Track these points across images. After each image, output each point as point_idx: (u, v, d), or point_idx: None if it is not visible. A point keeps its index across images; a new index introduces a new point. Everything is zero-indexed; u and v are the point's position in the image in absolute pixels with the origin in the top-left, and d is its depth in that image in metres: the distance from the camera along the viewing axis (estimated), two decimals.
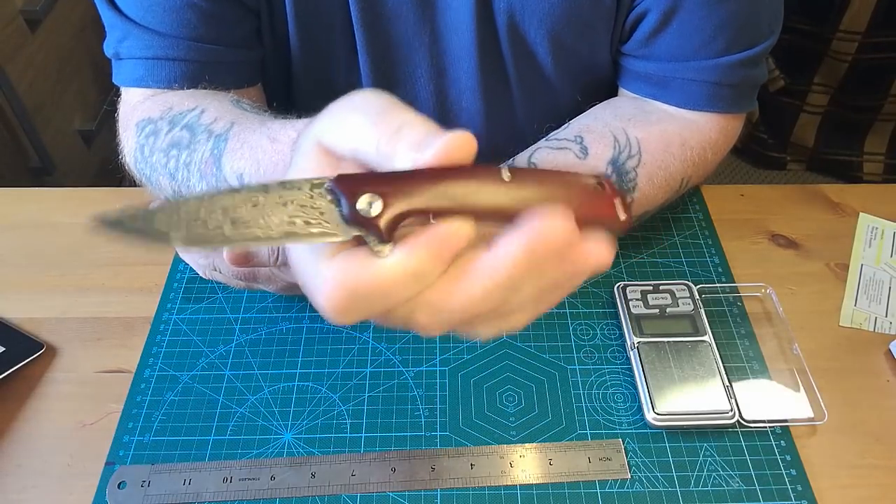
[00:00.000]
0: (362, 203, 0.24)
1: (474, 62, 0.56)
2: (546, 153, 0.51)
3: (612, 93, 0.61)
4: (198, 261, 0.47)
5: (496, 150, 0.61)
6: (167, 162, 0.46)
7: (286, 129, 0.41)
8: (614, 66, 0.59)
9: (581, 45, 0.56)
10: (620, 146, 0.51)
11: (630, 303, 0.53)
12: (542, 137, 0.53)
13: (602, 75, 0.60)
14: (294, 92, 0.61)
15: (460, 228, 0.25)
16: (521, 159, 0.51)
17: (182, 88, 0.51)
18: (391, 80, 0.58)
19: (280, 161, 0.39)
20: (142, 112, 0.50)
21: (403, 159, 0.25)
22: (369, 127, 0.26)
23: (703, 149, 0.54)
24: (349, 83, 0.59)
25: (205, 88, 0.51)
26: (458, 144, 0.24)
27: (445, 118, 0.59)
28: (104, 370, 0.51)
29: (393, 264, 0.24)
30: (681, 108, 0.55)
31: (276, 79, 0.60)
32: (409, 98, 0.59)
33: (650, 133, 0.52)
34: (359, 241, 0.25)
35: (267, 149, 0.41)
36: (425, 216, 0.24)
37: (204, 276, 0.49)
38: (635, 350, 0.50)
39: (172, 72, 0.51)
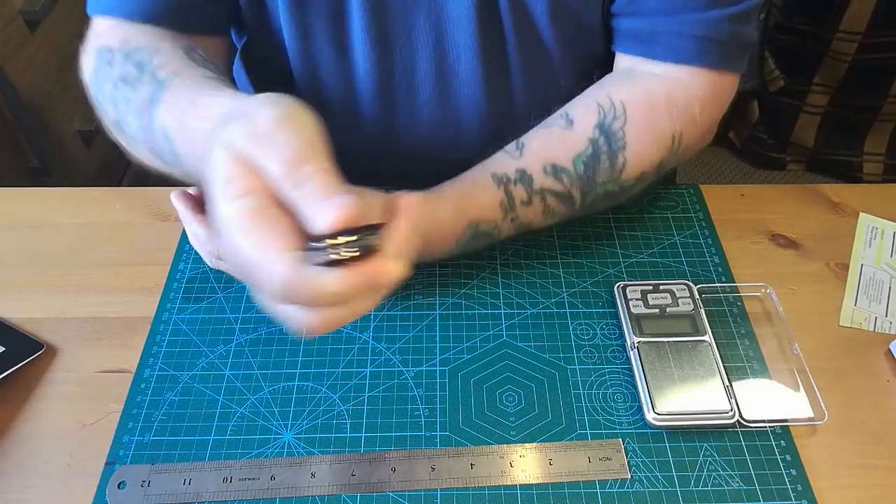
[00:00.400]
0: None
1: (473, 22, 0.56)
2: (534, 132, 0.53)
3: (607, 70, 0.61)
4: (205, 246, 0.48)
5: (494, 122, 0.61)
6: (114, 92, 0.49)
7: (209, 98, 0.42)
8: (606, 30, 0.60)
9: (576, 1, 0.57)
10: (605, 110, 0.52)
11: (630, 303, 0.53)
12: (536, 122, 0.55)
13: (595, 45, 0.61)
14: (287, 56, 0.61)
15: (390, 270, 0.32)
16: (510, 146, 0.53)
17: (145, 24, 0.53)
18: (388, 42, 0.57)
19: (198, 128, 0.41)
20: (103, 40, 0.52)
21: (315, 217, 0.31)
22: (282, 172, 0.32)
23: (688, 103, 0.54)
24: (342, 48, 0.58)
25: (168, 28, 0.53)
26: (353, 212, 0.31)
27: (444, 83, 0.59)
28: (104, 370, 0.51)
29: (333, 279, 0.31)
30: (668, 62, 0.55)
31: (267, 49, 0.61)
32: (407, 62, 0.58)
33: (633, 94, 0.53)
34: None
35: (188, 112, 0.42)
36: None
37: (210, 265, 0.49)
38: (635, 350, 0.50)
39: (138, 6, 0.52)
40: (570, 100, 0.56)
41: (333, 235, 0.31)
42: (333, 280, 0.31)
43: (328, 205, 0.31)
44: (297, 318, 0.33)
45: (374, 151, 0.62)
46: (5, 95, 1.10)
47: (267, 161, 0.32)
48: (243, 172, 0.32)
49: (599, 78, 0.59)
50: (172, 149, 0.44)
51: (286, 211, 0.32)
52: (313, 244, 0.31)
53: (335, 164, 0.33)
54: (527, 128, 0.54)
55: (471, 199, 0.51)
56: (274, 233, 0.31)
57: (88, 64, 0.53)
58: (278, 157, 0.32)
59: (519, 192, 0.51)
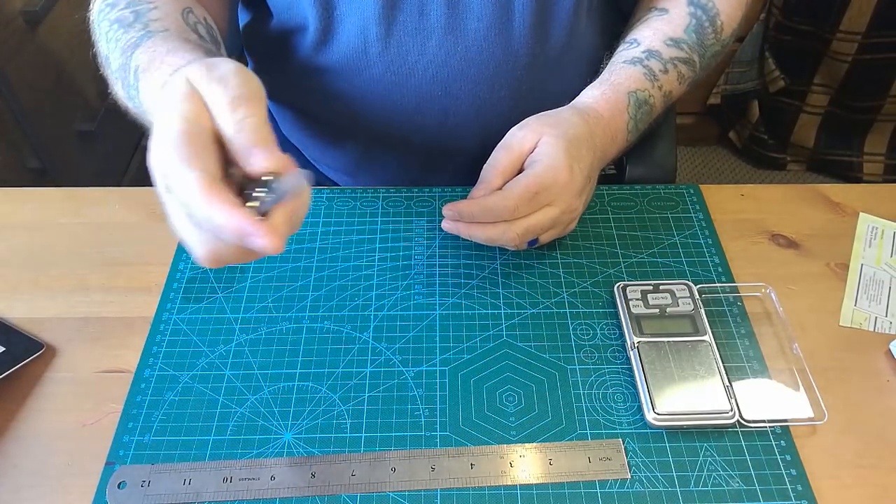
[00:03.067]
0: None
1: None
2: (637, 28, 0.62)
3: (603, 21, 0.68)
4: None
5: (496, 62, 0.61)
6: (108, 31, 0.53)
7: (183, 53, 0.47)
8: None
9: None
10: None
11: (630, 303, 0.53)
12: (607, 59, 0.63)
13: None
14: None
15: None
16: (622, 46, 0.62)
17: None
18: None
19: (162, 72, 0.46)
20: None
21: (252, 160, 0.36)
22: (224, 107, 0.36)
23: None
24: None
25: None
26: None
27: (454, 12, 0.59)
28: (104, 370, 0.51)
29: (221, 212, 0.34)
30: None
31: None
32: None
33: None
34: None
35: (162, 58, 0.48)
36: None
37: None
38: (635, 350, 0.50)
39: None
40: (564, 48, 0.62)
41: (255, 182, 0.36)
42: (223, 214, 0.34)
43: (257, 150, 0.36)
44: (194, 243, 0.36)
45: (384, 92, 0.62)
46: (5, 95, 1.10)
47: (214, 97, 0.37)
48: (193, 101, 0.37)
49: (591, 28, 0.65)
50: (138, 84, 0.49)
51: (217, 146, 0.37)
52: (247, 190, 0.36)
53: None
54: (529, 44, 0.60)
55: (618, 77, 0.59)
56: (199, 155, 0.35)
57: (96, 3, 0.57)
58: (225, 94, 0.36)
59: (654, 64, 0.59)
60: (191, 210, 0.35)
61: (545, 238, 0.54)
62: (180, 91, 0.37)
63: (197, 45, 0.50)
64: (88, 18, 0.58)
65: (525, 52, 0.61)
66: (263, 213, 0.35)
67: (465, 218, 0.51)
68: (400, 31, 0.59)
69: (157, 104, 0.39)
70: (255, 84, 0.39)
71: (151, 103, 0.47)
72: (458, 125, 0.64)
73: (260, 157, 0.36)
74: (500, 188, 0.51)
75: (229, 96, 0.36)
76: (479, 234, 0.51)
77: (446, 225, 0.52)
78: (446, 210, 0.52)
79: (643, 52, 0.60)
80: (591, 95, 0.58)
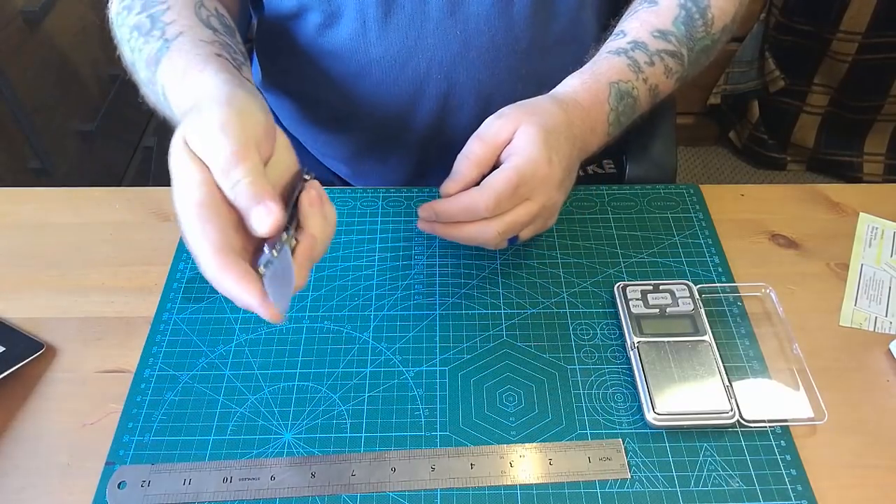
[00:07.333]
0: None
1: None
2: (625, 19, 0.61)
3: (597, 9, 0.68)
4: None
5: (496, 45, 0.61)
6: (129, 39, 0.53)
7: (194, 76, 0.45)
8: None
9: None
10: None
11: (630, 302, 0.53)
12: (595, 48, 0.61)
13: None
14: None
15: None
16: (610, 38, 0.60)
17: None
18: None
19: (183, 96, 0.46)
20: None
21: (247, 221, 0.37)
22: (217, 174, 0.37)
23: None
24: None
25: None
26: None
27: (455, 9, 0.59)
28: (104, 370, 0.51)
29: (230, 289, 0.37)
30: None
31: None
32: None
33: None
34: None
35: (179, 80, 0.47)
36: None
37: None
38: (635, 350, 0.50)
39: None
40: (566, 33, 0.62)
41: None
42: (232, 291, 0.36)
43: (254, 213, 0.36)
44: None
45: (383, 75, 0.62)
46: (5, 95, 1.10)
47: (210, 161, 0.37)
48: (198, 167, 0.37)
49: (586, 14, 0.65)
50: (168, 104, 0.48)
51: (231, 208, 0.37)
52: (264, 247, 0.37)
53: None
54: (532, 32, 0.60)
55: (600, 67, 0.56)
56: (214, 226, 0.36)
57: (114, 4, 0.56)
58: (219, 158, 0.36)
59: (640, 56, 0.57)
60: (205, 274, 0.37)
61: (525, 235, 0.52)
62: (183, 159, 0.37)
63: (211, 45, 0.49)
64: (108, 18, 0.56)
65: (525, 37, 0.60)
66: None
67: (442, 218, 0.49)
68: (399, 13, 0.59)
69: (172, 159, 0.39)
70: (252, 120, 0.38)
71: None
72: (458, 109, 0.64)
73: (255, 220, 0.36)
74: (476, 180, 0.49)
75: (223, 158, 0.36)
76: (457, 233, 0.49)
77: (422, 225, 0.51)
78: (422, 210, 0.50)
79: (629, 42, 0.58)
80: (570, 84, 0.56)
